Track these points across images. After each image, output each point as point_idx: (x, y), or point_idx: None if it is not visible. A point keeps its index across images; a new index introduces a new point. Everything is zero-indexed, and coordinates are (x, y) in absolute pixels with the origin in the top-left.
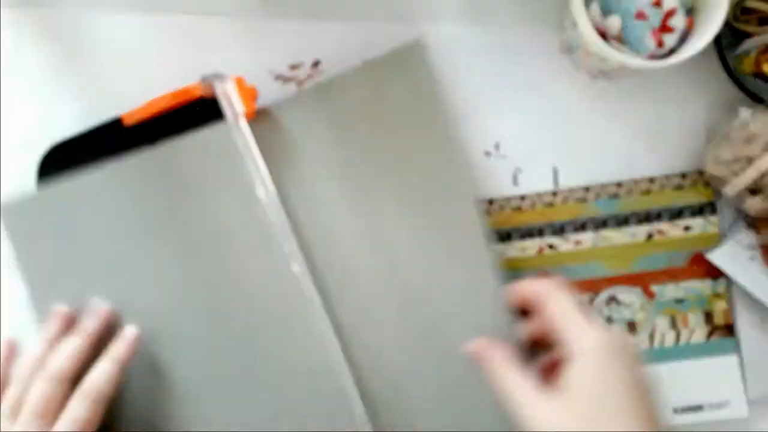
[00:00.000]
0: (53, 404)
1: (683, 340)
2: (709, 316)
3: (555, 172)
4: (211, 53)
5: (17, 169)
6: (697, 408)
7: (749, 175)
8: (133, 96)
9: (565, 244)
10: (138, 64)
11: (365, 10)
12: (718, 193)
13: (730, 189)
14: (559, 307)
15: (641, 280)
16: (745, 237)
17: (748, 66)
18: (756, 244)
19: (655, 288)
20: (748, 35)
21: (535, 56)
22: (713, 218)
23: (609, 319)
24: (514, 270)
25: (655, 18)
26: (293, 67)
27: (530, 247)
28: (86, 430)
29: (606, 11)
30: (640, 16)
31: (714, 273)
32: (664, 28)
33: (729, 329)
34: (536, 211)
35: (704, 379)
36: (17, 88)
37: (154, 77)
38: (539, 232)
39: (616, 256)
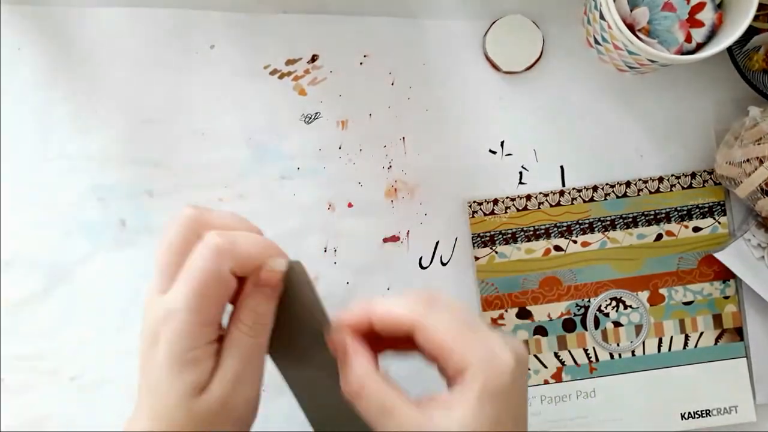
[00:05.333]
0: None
1: (691, 344)
2: (718, 319)
3: (562, 171)
4: (206, 48)
5: (17, 163)
6: (705, 413)
7: (761, 176)
8: (129, 92)
9: (572, 246)
10: (132, 59)
11: (363, 5)
12: (727, 192)
13: (742, 189)
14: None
15: (649, 283)
16: (755, 236)
17: (757, 63)
18: (766, 244)
19: (663, 291)
20: (757, 31)
21: (541, 51)
22: (723, 219)
23: (616, 323)
24: (520, 273)
25: (682, 10)
26: (290, 61)
27: (536, 248)
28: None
29: (633, 3)
30: (668, 7)
31: (724, 275)
32: (694, 21)
33: (738, 332)
34: (542, 211)
35: (712, 384)
36: (14, 84)
37: (148, 72)
38: (546, 234)
39: (624, 258)
